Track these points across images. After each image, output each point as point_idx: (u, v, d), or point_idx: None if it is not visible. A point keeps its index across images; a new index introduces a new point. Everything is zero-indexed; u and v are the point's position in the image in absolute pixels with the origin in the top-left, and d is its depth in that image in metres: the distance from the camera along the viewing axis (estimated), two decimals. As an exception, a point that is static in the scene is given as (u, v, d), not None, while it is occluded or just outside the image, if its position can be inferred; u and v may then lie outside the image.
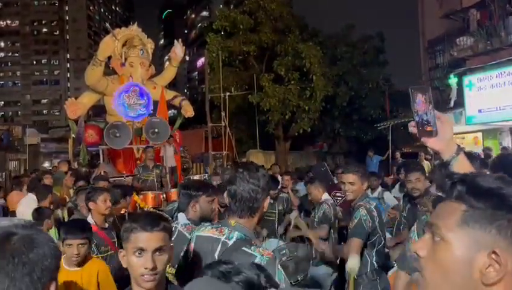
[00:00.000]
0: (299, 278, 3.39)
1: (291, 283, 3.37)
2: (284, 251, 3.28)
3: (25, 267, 0.96)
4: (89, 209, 3.78)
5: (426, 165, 9.54)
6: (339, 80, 21.34)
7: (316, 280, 3.73)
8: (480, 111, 12.99)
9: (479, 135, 14.30)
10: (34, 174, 10.98)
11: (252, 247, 1.68)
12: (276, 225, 5.09)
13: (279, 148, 21.95)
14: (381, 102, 22.15)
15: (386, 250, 3.46)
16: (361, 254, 3.03)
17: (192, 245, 1.86)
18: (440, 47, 17.75)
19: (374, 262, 3.03)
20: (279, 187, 5.72)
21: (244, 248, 1.66)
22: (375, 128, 18.61)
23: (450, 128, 1.27)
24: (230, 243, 1.69)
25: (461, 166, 1.25)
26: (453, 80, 14.37)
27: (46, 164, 30.58)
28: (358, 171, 3.12)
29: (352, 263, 2.80)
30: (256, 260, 1.60)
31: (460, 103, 13.77)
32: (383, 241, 3.16)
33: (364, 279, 2.99)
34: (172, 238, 2.70)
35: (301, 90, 19.61)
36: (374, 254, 3.02)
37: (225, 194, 1.81)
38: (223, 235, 1.72)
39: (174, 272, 2.71)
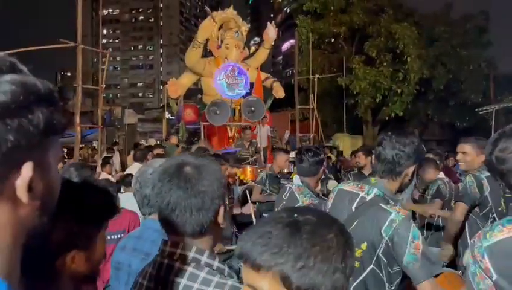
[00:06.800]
0: None
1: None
2: None
3: (198, 196, 1.03)
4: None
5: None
6: (436, 61, 20.07)
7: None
8: None
9: None
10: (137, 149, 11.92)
11: (389, 205, 1.74)
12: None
13: (367, 133, 21.38)
14: (483, 86, 20.47)
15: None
16: (472, 224, 2.98)
17: (332, 196, 1.99)
18: (558, 24, 15.82)
19: None
20: None
21: (381, 204, 1.74)
22: (474, 114, 17.32)
23: None
24: (368, 198, 1.78)
25: None
26: None
27: (142, 142, 33.06)
28: (474, 143, 3.13)
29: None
30: (391, 217, 1.69)
31: None
32: (495, 214, 3.06)
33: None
34: (286, 196, 2.96)
35: (394, 73, 18.81)
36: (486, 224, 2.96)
37: (373, 155, 1.90)
38: (363, 191, 1.82)
39: None
